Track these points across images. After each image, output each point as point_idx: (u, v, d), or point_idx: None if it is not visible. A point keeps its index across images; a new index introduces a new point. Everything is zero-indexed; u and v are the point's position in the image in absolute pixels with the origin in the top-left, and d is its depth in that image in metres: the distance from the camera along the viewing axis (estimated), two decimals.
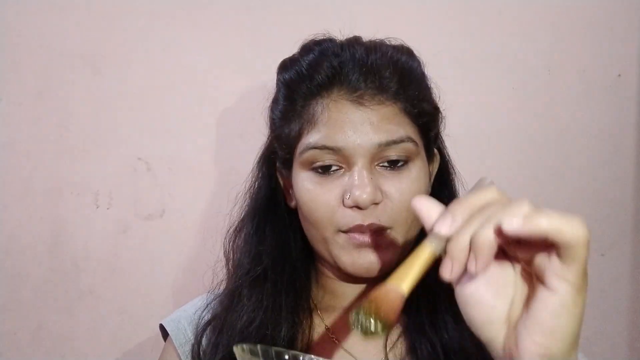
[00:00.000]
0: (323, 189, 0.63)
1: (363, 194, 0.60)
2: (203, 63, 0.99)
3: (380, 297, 0.42)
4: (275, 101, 0.70)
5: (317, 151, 0.62)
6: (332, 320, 0.70)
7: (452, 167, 0.75)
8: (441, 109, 0.72)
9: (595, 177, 1.01)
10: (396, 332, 0.67)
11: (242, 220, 0.74)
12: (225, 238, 0.75)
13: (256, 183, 0.74)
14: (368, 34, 0.71)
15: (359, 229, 0.62)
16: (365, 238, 0.62)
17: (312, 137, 0.63)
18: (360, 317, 0.41)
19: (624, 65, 1.00)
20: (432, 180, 0.71)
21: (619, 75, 1.00)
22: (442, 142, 0.74)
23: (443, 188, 0.73)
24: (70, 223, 1.00)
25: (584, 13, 0.99)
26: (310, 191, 0.63)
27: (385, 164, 0.63)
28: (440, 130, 0.73)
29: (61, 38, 0.99)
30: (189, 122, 1.00)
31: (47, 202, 1.00)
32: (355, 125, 0.62)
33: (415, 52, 0.71)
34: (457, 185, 0.75)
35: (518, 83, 1.00)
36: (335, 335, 0.68)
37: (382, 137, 0.61)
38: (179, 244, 1.00)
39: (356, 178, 0.61)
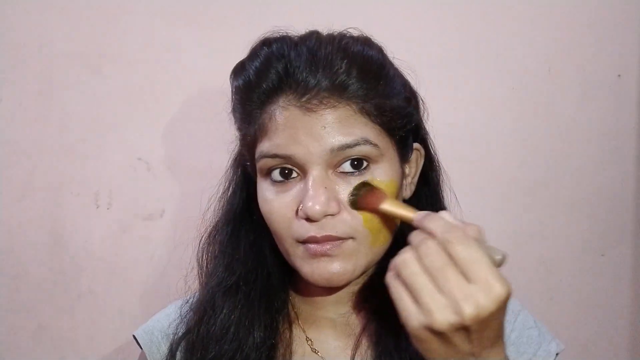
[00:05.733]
0: (279, 200, 0.61)
1: (315, 206, 0.57)
2: (203, 63, 0.98)
3: None
4: (233, 107, 0.67)
5: (269, 159, 0.60)
6: (315, 331, 0.68)
7: (437, 163, 0.72)
8: (421, 98, 0.68)
9: (595, 177, 1.01)
10: (372, 339, 0.66)
11: (216, 226, 0.71)
12: (198, 245, 0.72)
13: (231, 187, 0.72)
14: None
15: (313, 239, 0.59)
16: (321, 247, 0.59)
17: (264, 145, 0.61)
18: None
19: (624, 65, 1.00)
20: (416, 176, 0.68)
21: (619, 75, 1.00)
22: (426, 134, 0.70)
23: (424, 185, 0.70)
24: (70, 223, 1.00)
25: (584, 13, 0.99)
26: (268, 202, 0.61)
27: (345, 170, 0.59)
28: (422, 121, 0.69)
29: (61, 38, 0.98)
30: (189, 122, 1.00)
31: (47, 202, 1.00)
32: (305, 131, 0.58)
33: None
34: (440, 181, 0.71)
35: (518, 83, 1.00)
36: (317, 348, 0.67)
37: (335, 142, 0.58)
38: (179, 244, 1.00)
39: (309, 188, 0.58)
